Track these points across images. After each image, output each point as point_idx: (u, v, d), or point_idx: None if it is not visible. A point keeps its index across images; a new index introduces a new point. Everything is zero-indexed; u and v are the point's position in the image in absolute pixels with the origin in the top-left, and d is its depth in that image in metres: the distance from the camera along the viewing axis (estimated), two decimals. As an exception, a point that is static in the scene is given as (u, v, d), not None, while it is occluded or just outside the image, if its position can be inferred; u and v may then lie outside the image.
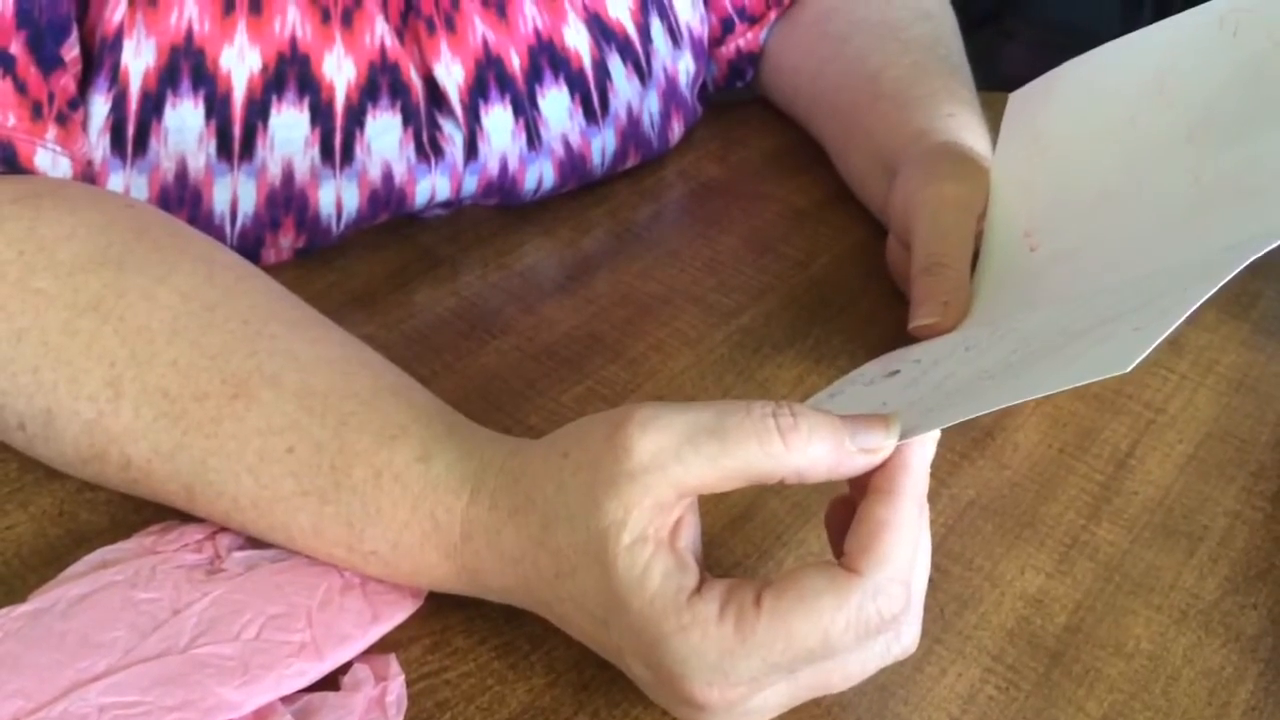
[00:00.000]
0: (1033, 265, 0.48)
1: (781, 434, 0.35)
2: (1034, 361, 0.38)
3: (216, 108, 0.52)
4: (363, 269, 0.60)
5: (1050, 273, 0.47)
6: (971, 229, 0.51)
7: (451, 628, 0.41)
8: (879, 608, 0.34)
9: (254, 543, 0.42)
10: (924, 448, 0.37)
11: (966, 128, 0.59)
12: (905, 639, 0.37)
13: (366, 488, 0.39)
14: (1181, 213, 0.43)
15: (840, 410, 0.39)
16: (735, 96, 0.78)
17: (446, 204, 0.61)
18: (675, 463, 0.35)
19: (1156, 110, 0.47)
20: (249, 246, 0.56)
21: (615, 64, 0.64)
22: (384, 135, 0.57)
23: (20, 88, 0.47)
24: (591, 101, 0.63)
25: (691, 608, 0.34)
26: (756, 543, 0.46)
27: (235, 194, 0.54)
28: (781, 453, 0.35)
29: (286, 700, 0.37)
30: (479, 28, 0.58)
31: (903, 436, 0.37)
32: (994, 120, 0.63)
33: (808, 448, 0.35)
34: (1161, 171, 0.45)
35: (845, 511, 0.40)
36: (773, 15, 0.74)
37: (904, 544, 0.35)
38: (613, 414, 0.36)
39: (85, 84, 0.50)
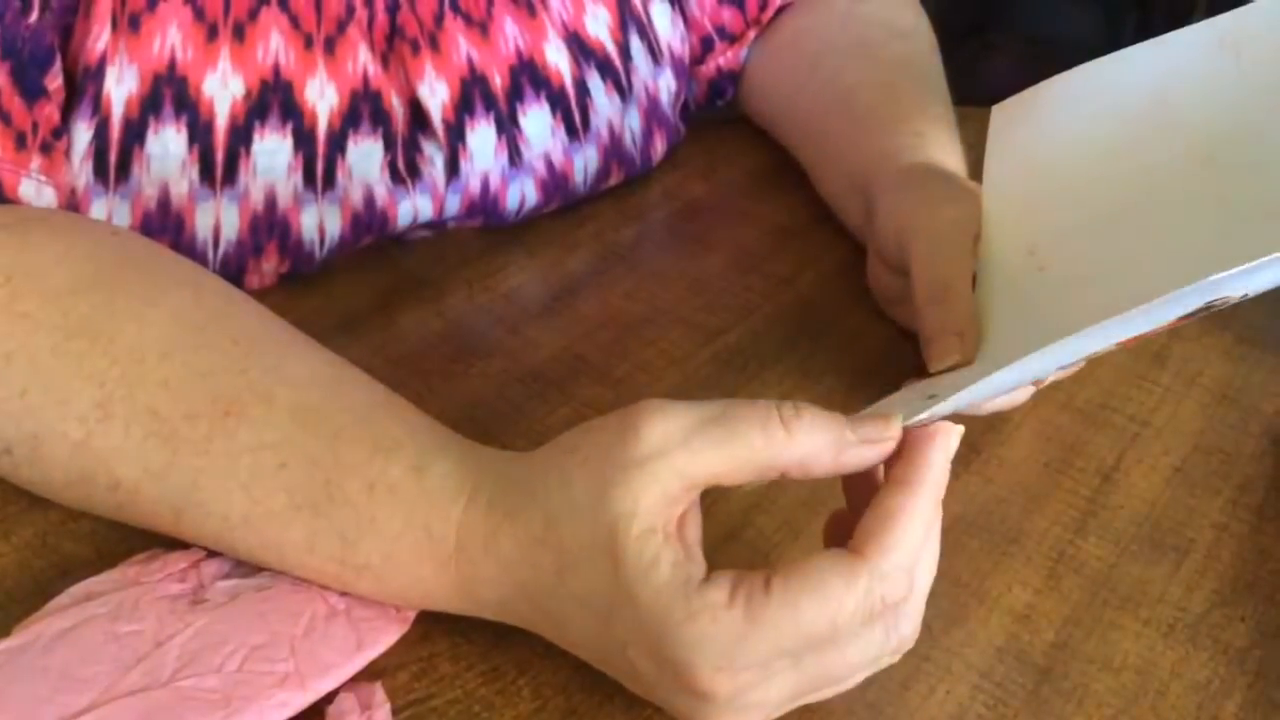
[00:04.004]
0: (1046, 287, 0.47)
1: (784, 422, 0.36)
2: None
3: (199, 134, 0.52)
4: (347, 293, 0.60)
5: (1071, 298, 0.46)
6: (970, 251, 0.51)
7: (438, 654, 0.41)
8: (884, 593, 0.35)
9: (239, 571, 0.42)
10: (946, 441, 0.37)
11: (936, 144, 0.59)
12: (904, 628, 0.37)
13: (360, 500, 0.39)
14: (1211, 239, 0.43)
15: None
16: (717, 115, 0.78)
17: (430, 225, 0.61)
18: (682, 449, 0.35)
19: (1162, 131, 0.47)
20: (232, 272, 0.56)
21: (595, 82, 0.64)
22: (365, 160, 0.57)
23: (4, 118, 0.47)
24: (573, 119, 0.63)
25: (701, 594, 0.34)
26: (743, 562, 0.45)
27: (218, 220, 0.54)
28: (783, 439, 0.36)
29: (272, 730, 0.37)
30: (463, 46, 0.59)
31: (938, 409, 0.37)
32: (978, 134, 0.63)
33: (809, 435, 0.36)
34: (1181, 195, 0.45)
35: (843, 527, 0.40)
36: (752, 34, 0.74)
37: (913, 534, 0.36)
38: (620, 410, 0.37)
39: (67, 112, 0.50)
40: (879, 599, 0.35)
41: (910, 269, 0.52)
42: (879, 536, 0.35)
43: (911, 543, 0.36)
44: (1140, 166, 0.47)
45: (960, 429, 0.38)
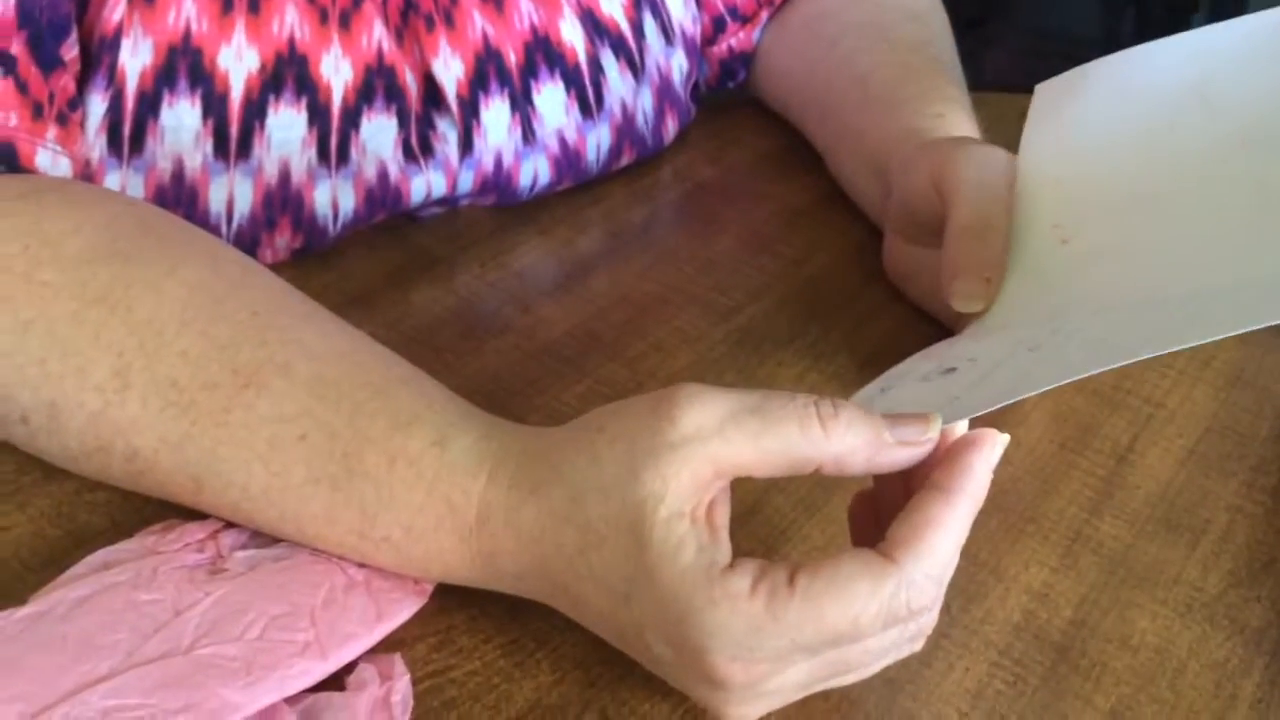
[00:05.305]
0: (1067, 259, 0.47)
1: (821, 420, 0.36)
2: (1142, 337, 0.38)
3: (214, 107, 0.52)
4: (360, 269, 0.60)
5: (1092, 269, 0.46)
6: (1009, 194, 0.50)
7: (456, 626, 0.41)
8: (908, 599, 0.35)
9: (256, 541, 0.41)
10: (991, 450, 0.37)
11: (956, 127, 0.59)
12: (922, 622, 0.37)
13: (380, 473, 0.39)
14: (1247, 220, 0.43)
15: (897, 405, 0.39)
16: (728, 96, 0.78)
17: (443, 201, 0.61)
18: (717, 437, 0.35)
19: (1201, 116, 0.47)
20: (245, 247, 0.55)
21: (609, 60, 0.64)
22: (379, 136, 0.57)
23: (21, 87, 0.47)
24: (587, 97, 0.63)
25: (724, 582, 0.34)
26: (761, 538, 0.46)
27: (232, 194, 0.54)
28: (820, 437, 0.35)
29: (291, 701, 0.37)
30: (478, 22, 0.58)
31: (977, 410, 0.37)
32: (985, 121, 0.63)
33: (846, 435, 0.36)
34: (1216, 177, 0.45)
35: (868, 506, 0.40)
36: (764, 15, 0.74)
37: (947, 543, 0.35)
38: (657, 391, 0.37)
39: (83, 83, 0.50)
40: (904, 605, 0.35)
41: (947, 207, 0.50)
42: (913, 543, 0.35)
43: (945, 552, 0.36)
44: (1177, 149, 0.47)
45: (1006, 438, 0.38)
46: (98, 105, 0.50)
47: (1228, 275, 0.41)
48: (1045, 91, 0.53)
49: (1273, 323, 0.35)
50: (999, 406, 0.38)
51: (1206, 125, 0.47)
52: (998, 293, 0.48)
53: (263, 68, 0.53)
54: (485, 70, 0.59)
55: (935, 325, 0.56)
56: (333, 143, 0.55)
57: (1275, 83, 0.45)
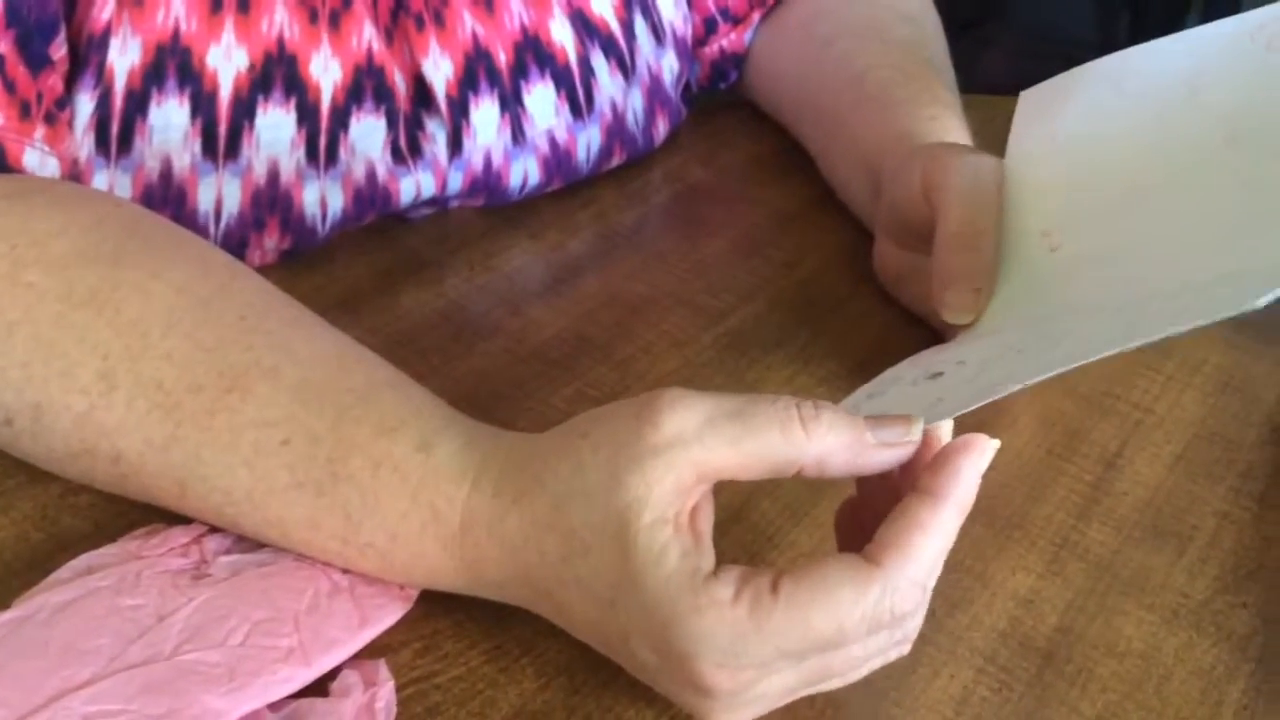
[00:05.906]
0: (1057, 265, 0.48)
1: (803, 421, 0.36)
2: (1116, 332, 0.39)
3: (202, 107, 0.52)
4: (348, 272, 0.59)
5: (1082, 275, 0.46)
6: (998, 202, 0.50)
7: (441, 632, 0.41)
8: (893, 605, 0.35)
9: (241, 546, 0.41)
10: (980, 455, 0.37)
11: (948, 131, 0.59)
12: (908, 627, 0.37)
13: (364, 478, 0.39)
14: (1234, 215, 0.43)
15: (883, 410, 0.39)
16: (720, 98, 0.78)
17: (432, 202, 0.61)
18: (697, 442, 0.35)
19: (1188, 114, 0.47)
20: (233, 248, 0.55)
21: (599, 60, 0.63)
22: (367, 137, 0.56)
23: (9, 87, 0.47)
24: (577, 97, 0.63)
25: (708, 589, 0.34)
26: (746, 545, 0.45)
27: (220, 194, 0.54)
28: (801, 439, 0.35)
29: (274, 707, 0.37)
30: (468, 22, 0.58)
31: (959, 410, 0.37)
32: (980, 123, 0.63)
33: (827, 436, 0.36)
34: (1202, 174, 0.45)
35: (854, 513, 0.40)
36: (756, 16, 0.74)
37: (932, 548, 0.35)
38: (640, 396, 0.37)
39: (71, 82, 0.50)
40: (888, 610, 0.35)
41: (938, 216, 0.50)
42: (899, 547, 0.35)
43: (930, 557, 0.35)
44: (1163, 150, 0.47)
45: (995, 443, 0.37)
46: (86, 104, 0.50)
47: (1213, 270, 0.41)
48: (1030, 97, 0.53)
49: (1250, 308, 0.35)
50: (982, 404, 0.38)
51: (1194, 123, 0.47)
52: (988, 303, 0.48)
53: (252, 67, 0.53)
54: (475, 70, 0.59)
55: (925, 329, 0.56)
56: (321, 143, 0.55)
57: (1262, 80, 0.45)
